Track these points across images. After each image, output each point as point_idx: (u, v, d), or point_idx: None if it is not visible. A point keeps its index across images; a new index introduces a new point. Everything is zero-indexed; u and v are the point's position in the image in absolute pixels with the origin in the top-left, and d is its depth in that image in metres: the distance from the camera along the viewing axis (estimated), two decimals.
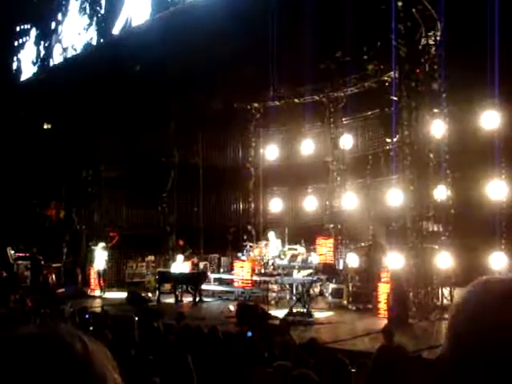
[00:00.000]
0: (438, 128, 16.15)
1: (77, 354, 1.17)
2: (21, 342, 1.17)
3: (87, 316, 13.45)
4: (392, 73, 17.90)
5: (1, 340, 1.18)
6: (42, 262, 23.35)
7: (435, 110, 16.12)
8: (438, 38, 15.69)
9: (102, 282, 21.35)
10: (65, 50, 25.24)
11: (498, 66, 14.40)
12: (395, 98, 16.76)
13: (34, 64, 26.96)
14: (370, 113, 21.05)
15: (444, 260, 15.80)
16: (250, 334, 10.48)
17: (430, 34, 15.80)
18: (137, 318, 11.92)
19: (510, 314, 1.24)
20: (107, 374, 1.20)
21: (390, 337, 8.65)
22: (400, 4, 15.45)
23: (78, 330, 1.26)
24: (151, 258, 23.20)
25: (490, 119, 15.88)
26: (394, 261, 15.77)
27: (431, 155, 16.05)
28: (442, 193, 16.11)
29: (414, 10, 15.44)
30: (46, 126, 26.88)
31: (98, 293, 21.24)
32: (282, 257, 19.50)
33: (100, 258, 21.36)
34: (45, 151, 25.06)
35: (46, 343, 1.17)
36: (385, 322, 14.41)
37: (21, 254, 24.19)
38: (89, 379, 1.16)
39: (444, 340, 1.34)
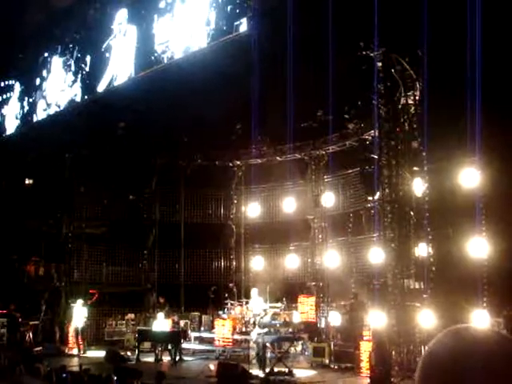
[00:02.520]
0: (418, 186, 16.31)
1: None
2: None
3: (64, 375, 13.15)
4: (372, 131, 18.19)
5: None
6: (20, 319, 22.90)
7: (415, 168, 16.31)
8: (417, 98, 15.99)
9: (80, 340, 20.94)
10: (48, 105, 25.39)
11: (479, 124, 14.64)
12: (376, 157, 16.98)
13: (18, 119, 27.08)
14: (351, 171, 21.26)
15: (426, 318, 15.71)
16: None
17: (409, 93, 16.14)
18: (115, 378, 11.67)
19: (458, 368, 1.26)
20: None
21: None
22: (380, 64, 15.79)
23: None
24: (131, 315, 22.87)
25: (469, 177, 16.05)
26: (376, 319, 15.69)
27: (412, 213, 16.17)
28: (423, 250, 16.15)
29: (393, 70, 15.79)
30: (27, 182, 26.80)
31: (76, 351, 20.81)
32: (264, 315, 19.30)
33: (79, 315, 21.01)
34: (25, 206, 24.90)
35: None
36: (367, 381, 14.26)
37: None
38: None
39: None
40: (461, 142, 15.54)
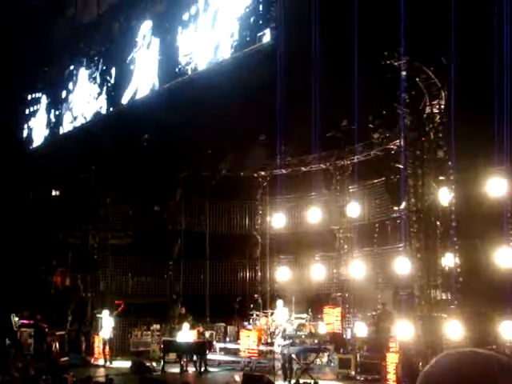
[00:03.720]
0: (444, 195, 16.15)
1: None
2: None
3: None
4: (398, 141, 18.08)
5: None
6: (46, 330, 23.08)
7: (441, 178, 16.16)
8: (443, 106, 15.87)
9: (107, 350, 21.01)
10: (75, 118, 25.67)
11: (507, 133, 14.48)
12: (401, 166, 16.87)
13: (45, 131, 27.43)
14: (376, 180, 21.10)
15: (453, 329, 15.52)
16: None
17: (434, 102, 16.02)
18: None
19: None
20: None
21: None
22: (404, 73, 15.70)
23: None
24: (156, 326, 22.88)
25: (496, 186, 15.88)
26: (403, 330, 15.52)
27: (438, 223, 16.01)
28: (449, 260, 15.98)
29: (417, 79, 15.69)
30: (54, 193, 27.06)
31: (101, 362, 20.90)
32: (289, 326, 19.22)
33: (105, 326, 21.10)
34: (52, 218, 25.14)
35: None
36: None
37: (25, 321, 23.91)
38: None
39: None
40: (487, 151, 15.38)
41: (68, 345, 23.39)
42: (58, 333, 23.57)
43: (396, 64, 15.84)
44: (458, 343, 15.67)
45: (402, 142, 17.11)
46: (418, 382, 1.36)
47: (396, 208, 19.12)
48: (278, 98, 19.12)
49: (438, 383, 1.30)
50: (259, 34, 18.27)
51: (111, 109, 23.69)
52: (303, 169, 22.80)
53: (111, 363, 20.73)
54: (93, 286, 24.47)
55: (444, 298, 15.87)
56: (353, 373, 16.90)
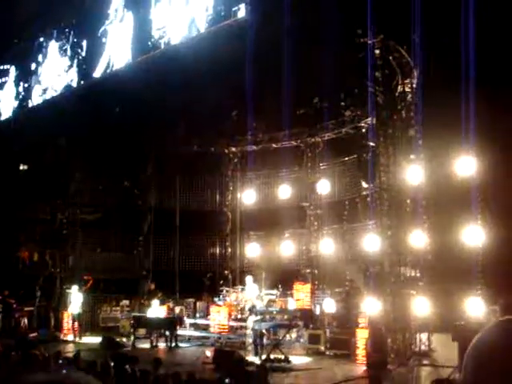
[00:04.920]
0: (414, 174, 16.32)
1: None
2: None
3: (61, 361, 13.14)
4: (369, 119, 18.18)
5: None
6: (14, 306, 22.88)
7: (412, 156, 16.31)
8: (415, 85, 15.97)
9: (76, 326, 20.95)
10: (44, 91, 25.24)
11: (474, 112, 14.66)
12: (372, 144, 16.98)
13: (15, 104, 26.93)
14: (347, 158, 21.23)
15: (421, 305, 15.80)
16: (227, 380, 10.30)
17: (406, 81, 16.11)
18: (112, 364, 11.65)
19: None
20: None
21: (377, 383, 8.57)
22: (377, 52, 15.74)
23: (87, 375, 1.23)
24: (126, 302, 22.84)
25: (465, 165, 16.07)
26: (372, 306, 15.73)
27: (408, 201, 16.20)
28: (418, 238, 16.19)
29: (390, 57, 15.75)
30: (22, 167, 26.68)
31: (71, 337, 20.83)
32: (260, 302, 19.36)
33: (74, 301, 21.01)
34: (20, 193, 24.80)
35: None
36: (363, 368, 14.33)
37: None
38: None
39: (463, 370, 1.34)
40: (457, 131, 15.54)
41: (37, 321, 23.26)
42: (26, 308, 23.42)
43: (369, 42, 15.87)
44: (425, 319, 15.98)
45: (373, 120, 17.19)
46: (471, 349, 1.38)
47: (366, 186, 19.29)
48: (249, 74, 19.03)
49: (490, 349, 1.32)
50: (234, 9, 18.13)
51: (82, 82, 23.33)
52: (274, 145, 22.82)
53: (81, 339, 20.68)
54: (61, 261, 24.30)
55: (413, 274, 16.11)
56: (322, 348, 17.11)
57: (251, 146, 23.40)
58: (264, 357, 15.70)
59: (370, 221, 18.14)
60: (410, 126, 16.37)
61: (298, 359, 16.18)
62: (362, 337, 15.48)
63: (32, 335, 20.88)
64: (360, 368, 14.53)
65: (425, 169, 16.45)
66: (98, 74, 22.46)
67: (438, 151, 17.26)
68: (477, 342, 1.37)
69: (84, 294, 21.38)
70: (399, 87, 16.43)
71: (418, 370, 14.46)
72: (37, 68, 25.80)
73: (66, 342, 20.45)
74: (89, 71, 22.84)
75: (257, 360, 15.50)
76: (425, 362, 15.11)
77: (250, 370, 13.31)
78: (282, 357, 15.59)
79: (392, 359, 14.71)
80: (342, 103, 19.80)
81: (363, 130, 19.24)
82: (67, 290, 21.92)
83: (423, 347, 15.89)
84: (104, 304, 22.73)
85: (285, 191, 22.77)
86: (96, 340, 19.32)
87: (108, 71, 21.88)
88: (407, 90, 16.29)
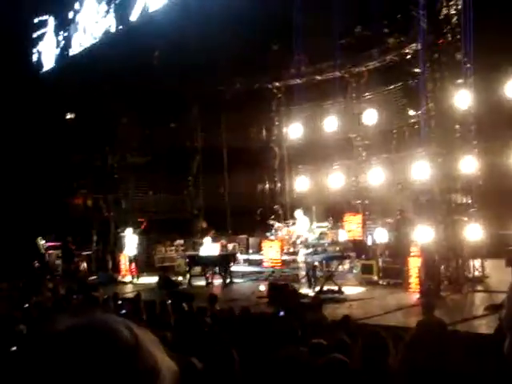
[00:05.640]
0: (463, 98, 15.93)
1: (127, 344, 1.18)
2: (72, 335, 1.18)
3: (120, 302, 13.59)
4: (413, 45, 17.71)
5: (53, 334, 1.19)
6: (73, 251, 23.61)
7: (460, 81, 15.88)
8: (460, 7, 15.42)
9: (133, 267, 21.51)
10: (84, 38, 25.26)
11: None
12: (419, 70, 16.59)
13: (57, 53, 27.01)
14: (392, 86, 20.81)
15: (473, 232, 15.67)
16: (282, 313, 10.51)
17: (451, 3, 15.55)
18: (170, 302, 12.00)
19: None
20: (157, 359, 1.22)
21: (430, 310, 8.60)
22: None
23: (124, 318, 1.28)
24: (180, 241, 23.27)
25: None
26: (424, 234, 15.67)
27: (457, 126, 15.87)
28: (469, 164, 15.93)
29: None
30: (69, 116, 27.00)
31: (128, 279, 21.43)
32: (311, 235, 19.47)
33: (130, 244, 21.52)
34: (69, 141, 25.20)
35: (96, 334, 1.19)
36: (416, 296, 14.40)
37: (52, 244, 24.43)
38: (139, 368, 1.18)
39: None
40: (507, 52, 15.03)
41: (95, 264, 24.00)
42: (84, 253, 24.14)
43: None
44: (478, 246, 15.87)
45: (418, 46, 16.74)
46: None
47: (413, 113, 18.95)
48: (290, 7, 18.66)
49: None
50: None
51: (120, 27, 23.21)
52: (318, 77, 22.50)
53: (138, 279, 21.26)
54: (115, 205, 24.83)
55: (464, 201, 15.92)
56: (375, 278, 17.21)
57: (295, 79, 23.13)
58: (317, 289, 15.91)
59: (419, 148, 17.87)
60: (457, 50, 15.86)
61: (351, 290, 16.34)
62: (414, 265, 15.50)
63: (91, 278, 21.58)
64: (413, 296, 14.60)
65: (474, 93, 16.02)
66: (134, 17, 22.29)
67: (486, 74, 16.74)
68: None
69: (139, 236, 21.86)
70: (444, 10, 15.86)
71: (472, 296, 14.46)
72: (74, 16, 25.74)
73: (124, 283, 21.08)
74: (126, 16, 22.67)
75: (310, 292, 15.73)
76: (478, 288, 15.08)
77: (304, 302, 13.55)
78: (336, 288, 15.76)
79: (445, 286, 14.72)
80: (386, 30, 19.31)
81: (408, 57, 18.77)
82: (122, 234, 22.45)
83: (476, 273, 15.83)
84: (159, 244, 23.21)
85: (331, 123, 22.54)
86: (153, 280, 19.85)
87: (144, 14, 21.68)
88: (452, 12, 15.72)
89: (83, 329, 1.20)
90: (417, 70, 17.11)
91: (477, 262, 15.88)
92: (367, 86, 21.65)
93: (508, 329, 1.33)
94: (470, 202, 15.87)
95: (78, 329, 1.20)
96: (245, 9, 17.77)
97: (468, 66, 15.71)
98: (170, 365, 1.26)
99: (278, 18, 19.15)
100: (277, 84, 23.79)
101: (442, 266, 15.06)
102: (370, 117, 21.44)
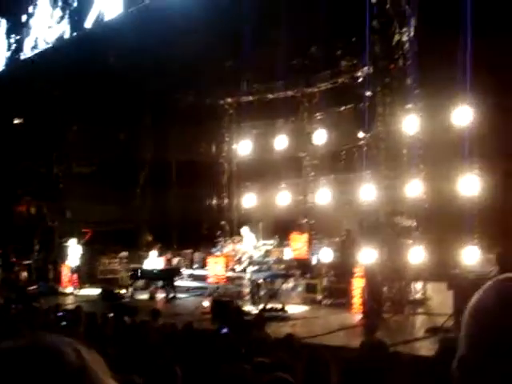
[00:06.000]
0: (411, 123, 16.22)
1: (73, 367, 1.14)
2: (15, 355, 1.13)
3: (61, 313, 13.30)
4: (365, 68, 18.00)
5: None
6: (13, 259, 23.06)
7: (408, 106, 16.18)
8: (412, 34, 15.76)
9: (75, 278, 21.14)
10: (36, 43, 24.86)
11: (471, 62, 14.52)
12: (370, 93, 16.84)
13: (7, 56, 26.50)
14: (343, 108, 21.10)
15: (417, 255, 15.90)
16: (225, 330, 10.44)
17: (403, 30, 15.87)
18: (112, 315, 11.81)
19: None
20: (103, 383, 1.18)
21: (372, 331, 8.67)
22: (374, 0, 15.49)
23: (70, 338, 1.23)
24: (124, 253, 22.98)
25: (462, 114, 15.97)
26: (368, 256, 15.83)
27: (404, 150, 16.13)
28: (415, 188, 16.20)
29: (387, 5, 15.50)
30: (16, 121, 26.48)
31: (70, 290, 21.04)
32: (257, 252, 19.48)
33: (73, 254, 21.16)
34: (15, 146, 24.69)
35: (39, 355, 1.13)
36: (359, 316, 14.51)
37: None
38: None
39: (462, 340, 1.32)
40: (454, 81, 15.40)
41: (36, 273, 23.47)
42: (25, 262, 23.61)
43: None
44: (420, 268, 16.11)
45: (370, 70, 17.02)
46: (470, 307, 1.35)
47: (363, 135, 19.21)
48: (245, 24, 18.77)
49: (491, 308, 1.29)
50: None
51: (74, 33, 22.95)
52: (270, 96, 22.65)
53: (80, 291, 20.90)
54: (59, 214, 24.39)
55: (409, 224, 16.15)
56: (319, 297, 17.28)
57: (247, 96, 23.23)
58: (261, 306, 15.89)
59: (367, 170, 18.09)
60: (407, 76, 16.18)
61: (295, 308, 16.36)
62: (358, 286, 15.63)
63: (32, 288, 21.10)
64: (356, 317, 14.70)
65: (421, 118, 16.35)
66: (89, 24, 22.08)
67: (434, 100, 17.11)
68: (475, 300, 1.34)
69: (83, 247, 21.51)
70: (396, 36, 16.18)
71: (414, 318, 14.66)
72: (28, 20, 25.34)
73: (66, 294, 20.69)
74: (81, 22, 22.44)
75: (254, 310, 15.68)
76: (420, 310, 15.30)
77: (247, 319, 13.50)
78: (279, 306, 15.76)
79: (387, 308, 14.88)
80: (339, 52, 19.60)
81: (359, 80, 19.08)
82: (65, 243, 22.05)
83: (418, 296, 16.05)
84: (102, 256, 22.85)
85: (281, 142, 22.69)
86: (95, 292, 19.55)
87: (99, 22, 21.49)
88: (404, 39, 16.05)
89: (27, 350, 1.14)
90: (367, 94, 17.37)
91: (419, 285, 16.10)
92: (319, 106, 21.88)
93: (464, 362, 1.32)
94: (414, 224, 16.11)
95: (21, 349, 1.14)
96: (201, 22, 17.80)
97: (417, 91, 16.03)
98: None
99: (232, 34, 19.21)
100: (229, 100, 23.85)
101: (385, 288, 15.22)
102: (320, 137, 21.67)
